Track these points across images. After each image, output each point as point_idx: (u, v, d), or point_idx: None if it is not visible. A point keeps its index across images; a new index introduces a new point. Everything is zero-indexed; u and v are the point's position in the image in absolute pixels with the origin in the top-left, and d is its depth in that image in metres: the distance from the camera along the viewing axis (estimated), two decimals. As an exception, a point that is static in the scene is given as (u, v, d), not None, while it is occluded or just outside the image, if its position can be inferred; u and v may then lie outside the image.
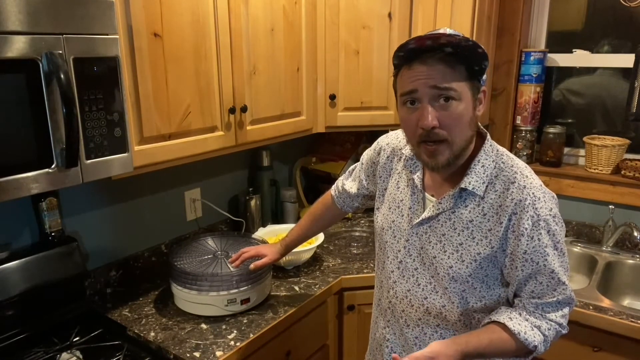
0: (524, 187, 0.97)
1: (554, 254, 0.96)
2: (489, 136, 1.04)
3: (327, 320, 1.70)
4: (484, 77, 0.98)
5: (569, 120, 2.18)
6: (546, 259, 0.96)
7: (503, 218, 0.97)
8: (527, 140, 2.17)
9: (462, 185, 1.00)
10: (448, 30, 0.94)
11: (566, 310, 1.01)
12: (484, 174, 1.00)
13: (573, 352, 1.57)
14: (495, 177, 1.00)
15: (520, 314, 0.99)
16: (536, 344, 0.97)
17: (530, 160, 2.19)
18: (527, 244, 0.95)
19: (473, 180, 0.99)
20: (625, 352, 1.52)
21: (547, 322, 0.98)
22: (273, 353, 1.46)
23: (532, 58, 2.08)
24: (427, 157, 0.97)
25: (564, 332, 1.01)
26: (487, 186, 1.00)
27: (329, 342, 1.74)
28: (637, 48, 1.88)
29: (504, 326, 0.97)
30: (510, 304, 1.05)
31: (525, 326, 0.97)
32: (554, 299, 0.98)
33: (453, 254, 1.02)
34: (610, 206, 1.96)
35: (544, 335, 0.98)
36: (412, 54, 0.93)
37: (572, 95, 2.18)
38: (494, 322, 0.99)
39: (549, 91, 2.19)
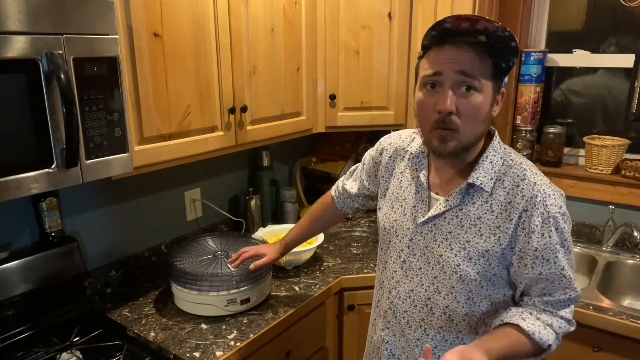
0: (535, 183, 0.97)
1: (562, 251, 0.96)
2: (497, 134, 1.04)
3: (327, 321, 1.70)
4: (506, 79, 0.98)
5: (569, 120, 2.18)
6: (557, 256, 0.96)
7: (513, 215, 0.97)
8: (527, 140, 2.17)
9: (470, 181, 0.99)
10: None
11: (572, 307, 1.01)
12: (491, 169, 1.00)
13: (573, 352, 1.57)
14: (504, 174, 1.00)
15: (531, 314, 0.98)
16: (550, 342, 0.96)
17: (530, 160, 2.18)
18: (538, 242, 0.95)
19: (481, 176, 0.99)
20: (625, 352, 1.52)
21: (557, 320, 0.98)
22: (273, 353, 1.46)
23: (532, 58, 2.08)
24: (437, 142, 0.97)
25: (572, 329, 1.01)
26: (495, 183, 0.99)
27: (328, 342, 1.74)
28: (637, 48, 1.88)
29: (517, 327, 0.96)
30: (515, 303, 1.05)
31: (539, 326, 0.96)
32: (565, 296, 0.98)
33: (460, 251, 1.01)
34: (610, 206, 1.96)
35: (555, 333, 0.97)
36: (445, 34, 0.93)
37: (572, 95, 2.18)
38: (506, 324, 0.97)
39: (549, 91, 2.19)
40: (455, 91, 0.93)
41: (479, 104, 0.94)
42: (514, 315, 0.98)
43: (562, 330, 0.99)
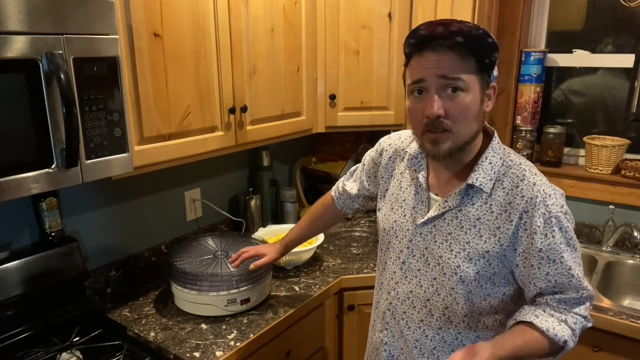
0: (534, 184, 0.96)
1: (569, 250, 0.96)
2: (496, 134, 1.04)
3: (327, 321, 1.70)
4: (495, 73, 0.99)
5: (569, 120, 2.18)
6: (563, 256, 0.95)
7: (513, 216, 0.96)
8: (527, 140, 2.17)
9: (469, 182, 0.99)
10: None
11: (588, 304, 1.00)
12: (491, 170, 0.99)
13: (573, 352, 1.56)
14: (503, 175, 1.00)
15: (544, 311, 0.97)
16: (566, 338, 0.95)
17: (530, 160, 2.18)
18: (541, 242, 0.95)
19: (480, 177, 0.99)
20: (625, 352, 1.52)
21: (572, 316, 0.97)
22: (273, 353, 1.46)
23: (532, 58, 2.08)
24: (430, 145, 0.97)
25: (589, 325, 1.00)
26: (494, 183, 0.99)
27: (328, 342, 1.74)
28: (637, 48, 1.88)
29: (531, 325, 0.95)
30: (515, 303, 1.04)
31: (552, 322, 0.95)
32: (578, 295, 0.98)
33: (460, 252, 1.01)
34: (610, 206, 1.96)
35: (571, 328, 0.97)
36: (423, 41, 0.94)
37: (572, 95, 2.18)
38: (520, 322, 0.97)
39: (549, 91, 2.20)
40: (441, 94, 0.94)
41: (468, 103, 0.94)
42: (527, 313, 0.98)
43: (577, 326, 0.98)
